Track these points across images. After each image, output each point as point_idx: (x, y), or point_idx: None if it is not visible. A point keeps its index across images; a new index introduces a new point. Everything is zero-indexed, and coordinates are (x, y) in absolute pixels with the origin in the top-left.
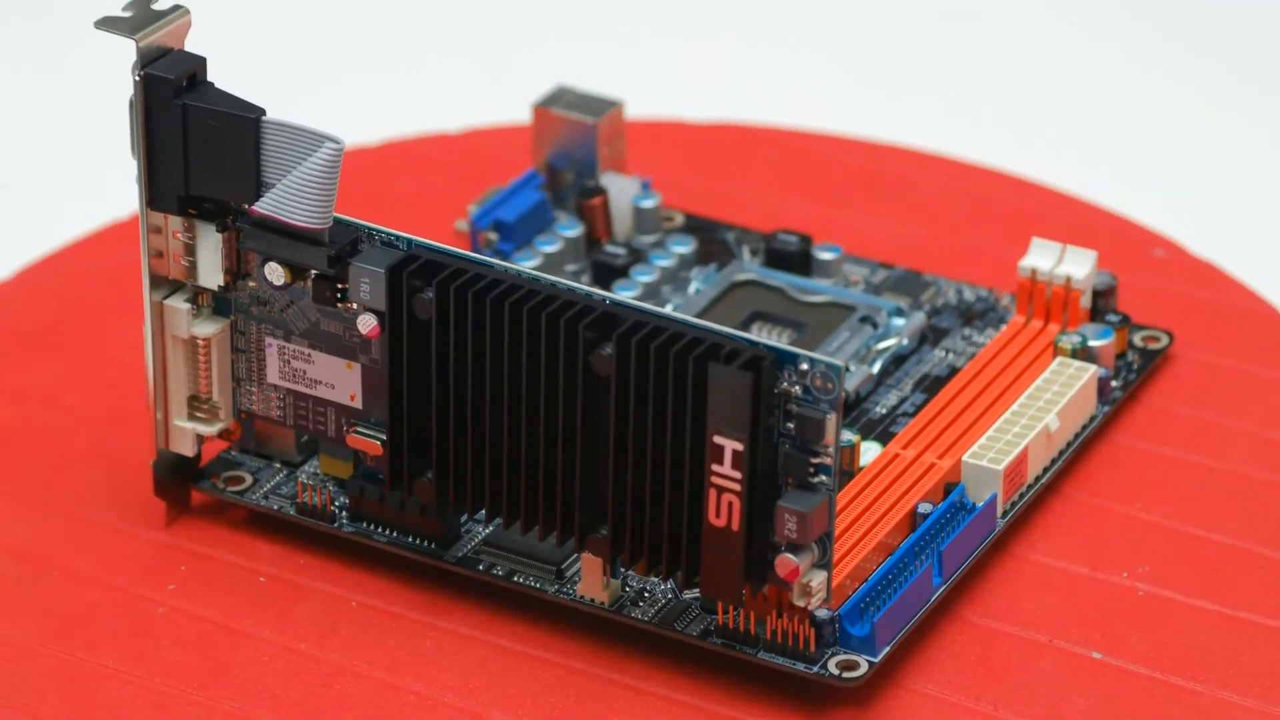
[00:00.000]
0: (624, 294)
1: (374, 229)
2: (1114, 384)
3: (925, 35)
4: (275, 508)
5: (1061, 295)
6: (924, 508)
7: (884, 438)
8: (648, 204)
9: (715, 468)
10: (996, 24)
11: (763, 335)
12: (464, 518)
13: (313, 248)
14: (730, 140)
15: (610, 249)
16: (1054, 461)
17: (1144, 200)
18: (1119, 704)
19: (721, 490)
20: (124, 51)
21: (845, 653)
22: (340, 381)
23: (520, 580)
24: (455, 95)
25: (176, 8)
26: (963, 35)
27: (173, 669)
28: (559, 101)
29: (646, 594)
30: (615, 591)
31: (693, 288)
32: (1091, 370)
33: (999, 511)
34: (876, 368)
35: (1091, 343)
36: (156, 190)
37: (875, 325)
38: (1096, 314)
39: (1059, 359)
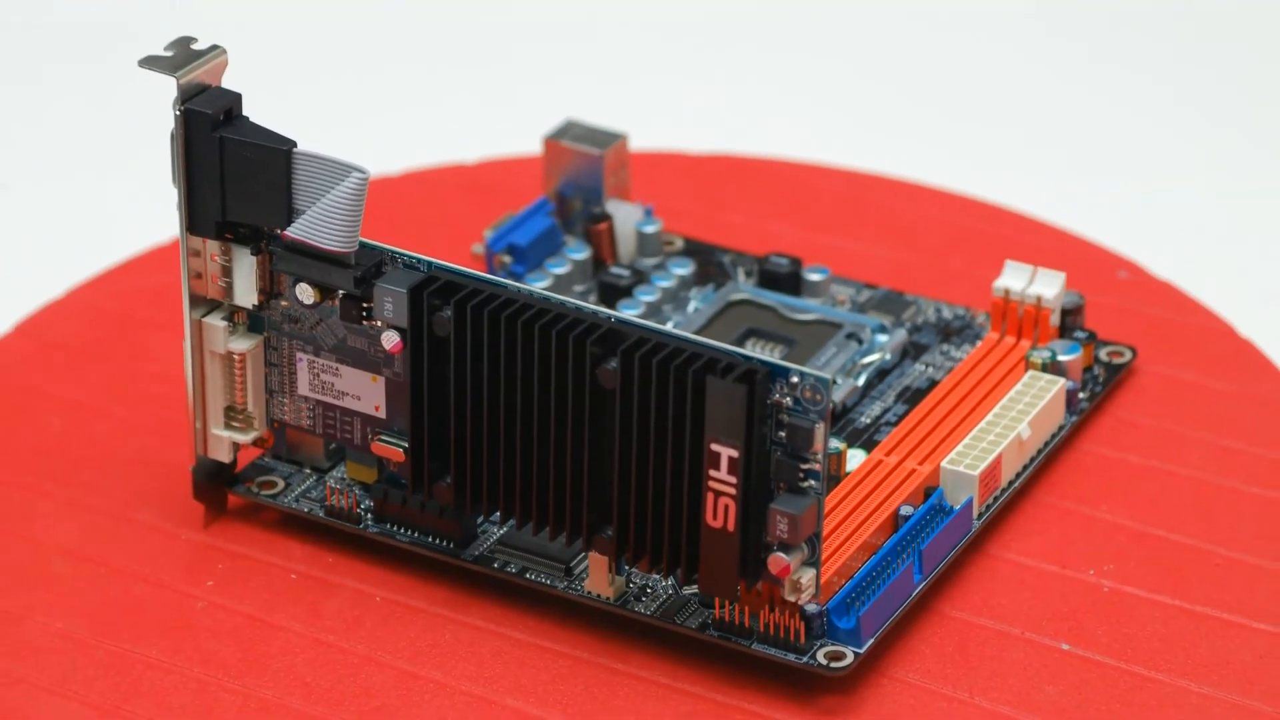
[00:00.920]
0: (628, 312)
1: (397, 252)
2: (1081, 396)
3: (908, 74)
4: (305, 510)
5: (1033, 314)
6: (905, 510)
7: (868, 445)
8: (650, 229)
9: (712, 473)
10: (975, 65)
11: (756, 351)
12: (480, 519)
13: (340, 269)
14: (726, 170)
15: (615, 271)
16: (1026, 467)
17: (1110, 225)
18: (1086, 691)
19: (718, 494)
20: (166, 89)
21: (833, 644)
22: (366, 393)
23: (532, 577)
24: (472, 129)
25: (214, 48)
26: (943, 74)
27: (211, 659)
28: (568, 134)
29: (649, 590)
30: (620, 587)
31: (691, 306)
32: (1060, 383)
33: (975, 514)
34: (861, 381)
35: (1060, 358)
36: (196, 216)
37: (860, 341)
38: (1065, 331)
39: (1030, 373)
